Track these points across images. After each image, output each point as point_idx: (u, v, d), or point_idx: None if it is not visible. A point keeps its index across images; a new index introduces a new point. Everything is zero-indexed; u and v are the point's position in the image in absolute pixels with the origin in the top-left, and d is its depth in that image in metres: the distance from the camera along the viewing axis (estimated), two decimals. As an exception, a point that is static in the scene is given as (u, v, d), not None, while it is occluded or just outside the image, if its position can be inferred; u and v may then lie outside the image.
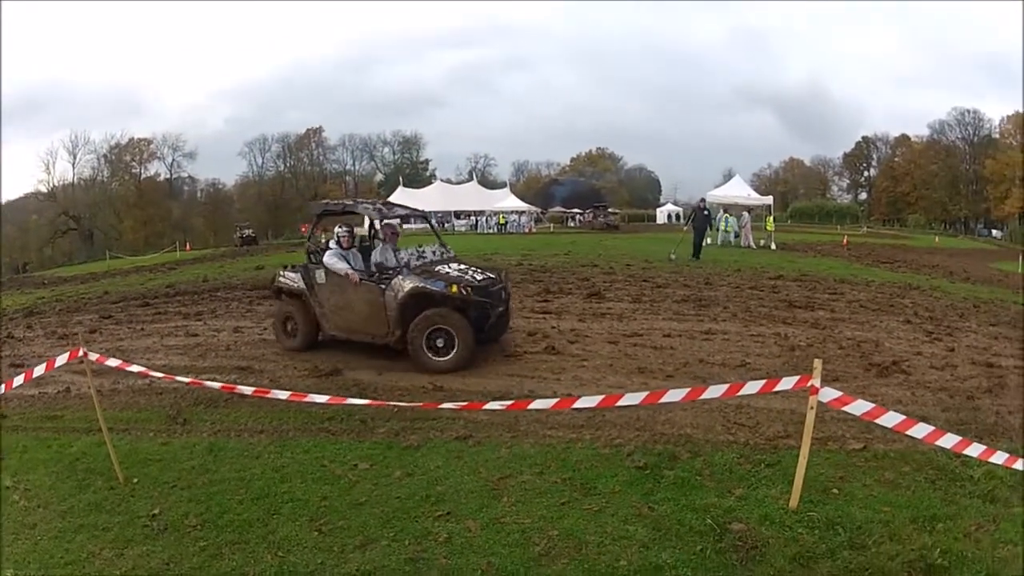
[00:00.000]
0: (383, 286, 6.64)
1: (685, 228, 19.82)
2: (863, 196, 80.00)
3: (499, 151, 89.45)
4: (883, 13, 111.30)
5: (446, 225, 41.77)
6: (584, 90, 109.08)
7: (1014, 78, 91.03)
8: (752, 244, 23.08)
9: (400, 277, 6.58)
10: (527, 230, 41.52)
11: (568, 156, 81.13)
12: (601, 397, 3.79)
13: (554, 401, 4.14)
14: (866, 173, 79.80)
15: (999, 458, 3.89)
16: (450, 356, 6.33)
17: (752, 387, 3.70)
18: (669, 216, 55.74)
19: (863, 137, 77.12)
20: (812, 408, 3.64)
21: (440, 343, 6.33)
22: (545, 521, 3.66)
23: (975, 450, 3.82)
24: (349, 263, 7.05)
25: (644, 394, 3.74)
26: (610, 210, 48.07)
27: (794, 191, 79.79)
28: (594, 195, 58.68)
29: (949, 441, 3.76)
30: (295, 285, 7.36)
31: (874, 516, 3.98)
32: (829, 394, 3.60)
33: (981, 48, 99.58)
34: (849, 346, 8.13)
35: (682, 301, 10.35)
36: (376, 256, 7.22)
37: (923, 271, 20.70)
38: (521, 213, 46.42)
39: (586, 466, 4.32)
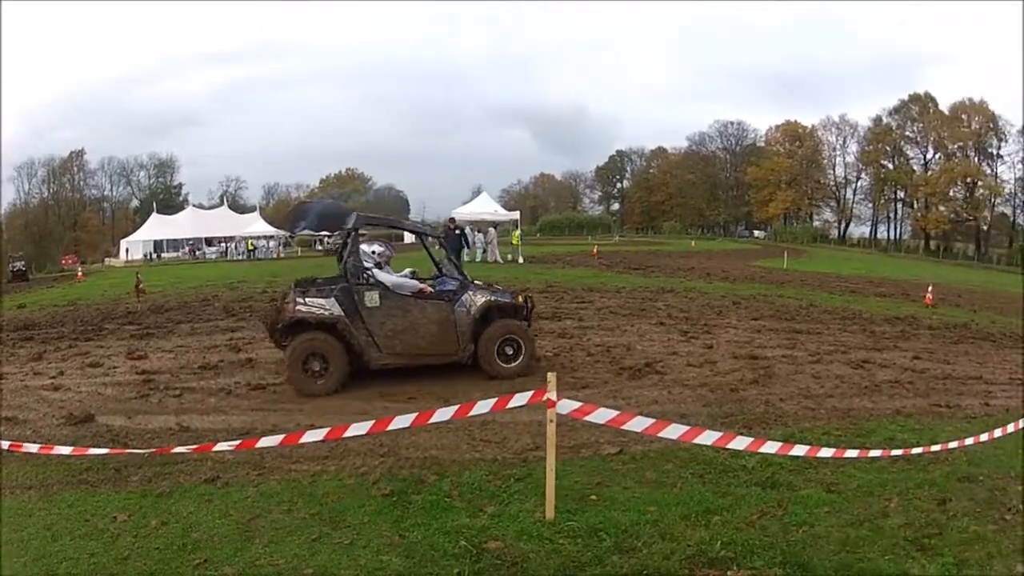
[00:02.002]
0: (453, 303, 10.01)
1: (436, 247, 25.04)
2: (616, 207, 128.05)
3: (252, 173, 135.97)
4: (648, 30, 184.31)
5: (197, 253, 66.15)
6: (340, 108, 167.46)
7: (784, 89, 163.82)
8: (499, 259, 36.26)
9: (470, 293, 10.23)
10: (275, 255, 63.94)
11: (318, 177, 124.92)
12: (327, 430, 5.85)
13: (281, 437, 6.12)
14: (619, 185, 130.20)
15: (771, 447, 5.91)
16: (519, 362, 10.42)
17: (484, 405, 5.62)
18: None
19: (617, 151, 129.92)
20: (552, 421, 5.50)
21: (510, 351, 10.36)
22: (299, 560, 5.18)
23: (741, 443, 5.81)
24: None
25: (371, 423, 5.81)
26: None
27: (545, 205, 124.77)
28: (343, 217, 68.83)
29: (709, 438, 5.74)
30: (327, 313, 9.59)
31: (640, 518, 5.72)
32: (568, 406, 5.56)
33: (751, 61, 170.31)
34: (598, 352, 12.30)
35: None
36: (391, 276, 10.45)
37: (678, 274, 31.08)
38: (270, 238, 70.02)
39: (333, 499, 6.21)
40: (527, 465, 6.87)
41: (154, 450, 7.26)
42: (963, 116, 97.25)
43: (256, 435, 7.39)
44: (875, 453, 6.68)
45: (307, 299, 9.81)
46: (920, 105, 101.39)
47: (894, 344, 14.95)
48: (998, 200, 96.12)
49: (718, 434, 5.87)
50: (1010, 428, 7.21)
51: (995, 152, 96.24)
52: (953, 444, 6.86)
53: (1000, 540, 5.76)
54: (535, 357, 10.97)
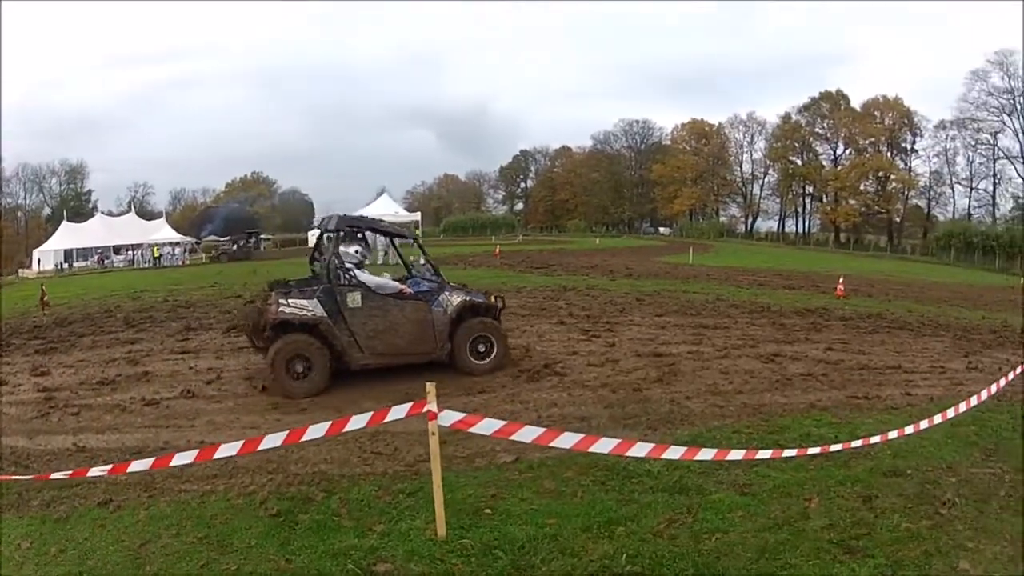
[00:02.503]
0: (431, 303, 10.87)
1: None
2: (520, 206, 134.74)
3: (161, 178, 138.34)
4: (552, 29, 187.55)
5: (105, 262, 68.79)
6: (247, 111, 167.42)
7: (692, 89, 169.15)
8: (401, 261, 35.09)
9: (447, 293, 11.06)
10: (181, 262, 66.11)
11: (224, 182, 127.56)
12: (196, 452, 5.81)
13: (151, 460, 6.10)
14: (523, 184, 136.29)
15: (675, 452, 5.62)
16: (491, 359, 11.22)
17: (359, 421, 5.54)
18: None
19: (521, 150, 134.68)
20: (434, 434, 5.40)
21: (482, 348, 11.15)
22: (187, 588, 5.03)
23: (641, 449, 5.51)
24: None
25: (240, 443, 5.73)
26: (263, 236, 75.38)
27: (448, 206, 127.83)
28: (249, 222, 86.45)
29: (605, 446, 5.41)
30: (309, 314, 10.09)
31: (538, 532, 5.59)
32: (450, 417, 5.45)
33: (658, 61, 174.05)
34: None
35: None
36: (372, 277, 11.11)
37: (580, 272, 31.48)
38: (176, 244, 73.62)
39: (221, 521, 6.16)
40: (419, 478, 6.74)
41: (33, 476, 7.29)
42: (876, 112, 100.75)
43: (147, 454, 7.59)
44: (790, 452, 6.46)
45: (290, 300, 10.23)
46: (831, 102, 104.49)
47: (805, 336, 15.20)
48: (912, 193, 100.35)
49: (615, 441, 5.54)
50: (937, 419, 7.14)
51: (909, 147, 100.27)
52: (876, 439, 6.73)
53: (937, 537, 5.64)
54: (507, 354, 11.76)
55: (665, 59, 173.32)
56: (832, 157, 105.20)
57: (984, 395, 8.05)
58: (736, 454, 5.97)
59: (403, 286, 11.29)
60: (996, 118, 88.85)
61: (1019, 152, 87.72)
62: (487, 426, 5.55)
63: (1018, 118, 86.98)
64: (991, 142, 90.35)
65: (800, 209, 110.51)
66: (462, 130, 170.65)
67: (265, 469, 7.28)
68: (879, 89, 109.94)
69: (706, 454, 5.90)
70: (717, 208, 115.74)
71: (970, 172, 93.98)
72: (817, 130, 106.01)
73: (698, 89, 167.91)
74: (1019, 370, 9.50)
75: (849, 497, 6.35)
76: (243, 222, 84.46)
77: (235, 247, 66.68)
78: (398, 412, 5.53)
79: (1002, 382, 8.72)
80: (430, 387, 5.44)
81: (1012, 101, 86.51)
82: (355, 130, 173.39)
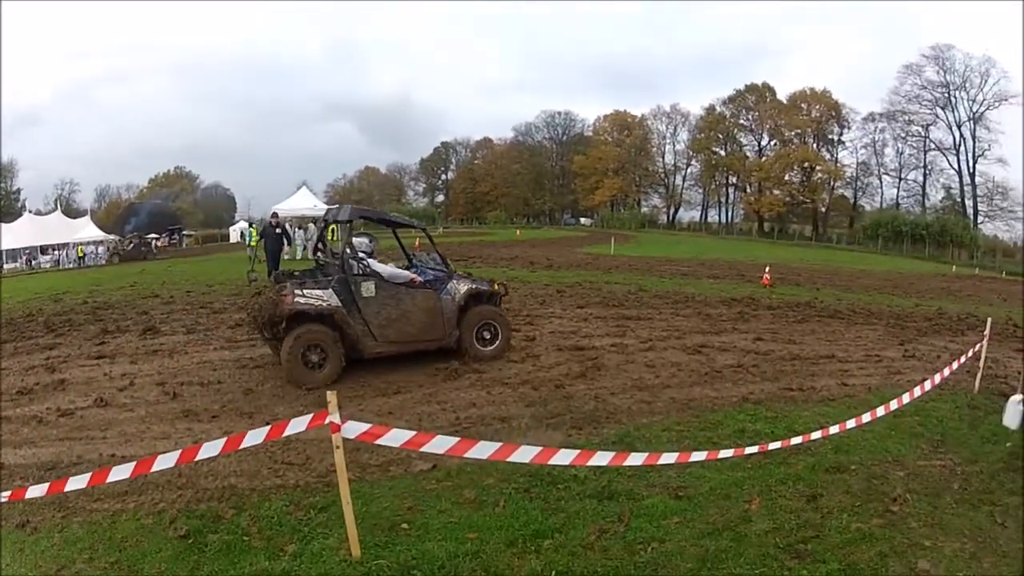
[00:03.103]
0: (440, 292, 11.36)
1: (251, 244, 33.10)
2: (440, 199, 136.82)
3: (87, 175, 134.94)
4: (475, 21, 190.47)
5: (32, 263, 67.73)
6: (170, 105, 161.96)
7: (615, 82, 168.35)
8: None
9: (454, 281, 11.54)
10: (104, 261, 64.01)
11: (147, 177, 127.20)
12: (90, 475, 5.39)
13: (47, 486, 5.71)
14: (444, 176, 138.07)
15: (602, 458, 5.26)
16: (496, 345, 11.74)
17: (256, 436, 5.26)
18: (241, 234, 78.81)
19: (443, 142, 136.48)
20: (338, 447, 5.14)
21: (487, 335, 11.71)
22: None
23: (565, 457, 5.17)
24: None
25: (132, 464, 5.34)
26: (185, 232, 79.21)
27: (369, 199, 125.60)
28: (171, 218, 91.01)
29: (525, 455, 5.12)
30: (325, 304, 10.37)
31: (459, 548, 5.25)
32: (355, 429, 5.19)
33: (583, 53, 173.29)
34: (412, 351, 11.63)
35: (236, 326, 14.81)
36: (385, 267, 11.64)
37: (500, 264, 31.26)
38: (99, 243, 71.65)
39: (132, 543, 5.92)
40: (331, 491, 6.28)
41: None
42: (803, 105, 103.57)
43: (62, 468, 7.56)
44: (726, 453, 6.17)
45: (305, 291, 10.48)
46: (757, 95, 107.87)
47: (733, 327, 15.23)
48: (838, 183, 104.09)
49: (535, 450, 5.25)
50: (880, 412, 7.04)
51: (836, 138, 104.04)
52: (817, 434, 6.56)
53: (891, 536, 5.49)
54: (510, 339, 12.24)
55: (592, 52, 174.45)
56: (756, 148, 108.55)
57: (928, 385, 8.02)
58: (668, 457, 5.65)
59: (413, 275, 11.67)
60: (929, 111, 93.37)
61: (951, 144, 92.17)
62: (395, 437, 5.23)
63: (952, 111, 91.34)
64: (922, 134, 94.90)
65: (723, 199, 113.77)
66: (384, 122, 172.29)
67: (175, 484, 6.96)
68: (808, 83, 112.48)
69: (636, 459, 5.60)
70: (639, 199, 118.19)
71: (899, 163, 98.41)
72: (742, 122, 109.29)
73: (624, 82, 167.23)
74: (963, 359, 9.58)
75: (792, 497, 6.17)
76: (166, 218, 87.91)
77: (130, 246, 65.72)
78: (298, 425, 5.23)
79: (946, 371, 8.72)
80: (331, 396, 5.12)
81: (946, 95, 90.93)
82: (278, 124, 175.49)
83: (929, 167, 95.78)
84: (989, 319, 11.11)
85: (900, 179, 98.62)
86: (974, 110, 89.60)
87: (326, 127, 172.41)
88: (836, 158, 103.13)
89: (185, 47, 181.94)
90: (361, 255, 11.40)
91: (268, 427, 5.35)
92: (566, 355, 11.89)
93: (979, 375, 10.61)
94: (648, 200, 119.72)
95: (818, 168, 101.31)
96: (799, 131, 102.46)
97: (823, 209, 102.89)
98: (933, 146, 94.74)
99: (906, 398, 7.45)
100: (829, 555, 5.10)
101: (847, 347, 13.58)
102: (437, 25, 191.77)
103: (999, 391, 10.77)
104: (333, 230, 13.64)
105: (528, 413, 8.74)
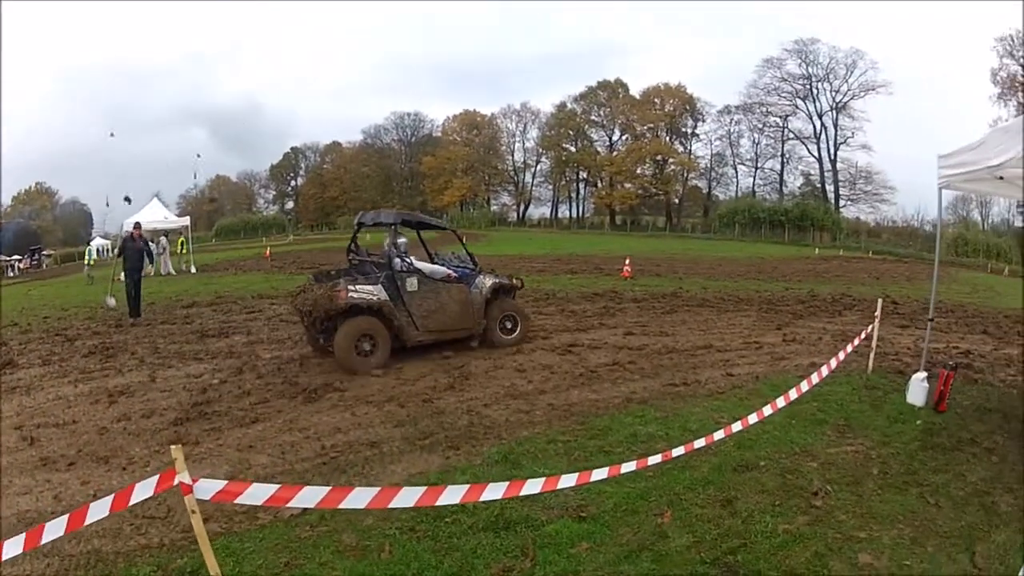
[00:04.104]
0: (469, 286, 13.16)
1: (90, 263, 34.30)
2: (290, 205, 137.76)
3: None
4: (329, 26, 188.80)
5: None
6: (34, 114, 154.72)
7: (461, 81, 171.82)
8: (172, 270, 37.72)
9: (481, 276, 13.37)
10: None
11: (10, 195, 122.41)
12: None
13: None
14: (293, 183, 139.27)
15: (495, 491, 4.65)
16: (516, 334, 13.44)
17: (100, 508, 4.50)
18: (99, 251, 75.48)
19: (292, 147, 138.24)
20: (194, 512, 4.53)
21: (509, 325, 13.45)
22: None
23: (455, 494, 4.58)
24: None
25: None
26: (44, 252, 77.44)
27: (221, 208, 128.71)
28: (34, 237, 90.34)
29: (408, 497, 4.50)
30: (374, 298, 11.95)
31: None
32: (208, 488, 4.55)
33: (431, 53, 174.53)
34: (269, 372, 11.64)
35: (90, 354, 14.12)
36: (425, 264, 13.48)
37: None
38: None
39: None
40: (199, 549, 5.29)
41: None
42: (656, 100, 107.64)
43: None
44: (629, 466, 5.58)
45: (357, 287, 11.76)
46: (609, 91, 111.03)
47: (599, 322, 15.27)
48: (692, 175, 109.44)
49: (419, 491, 4.62)
50: (780, 403, 6.81)
51: (690, 131, 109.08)
52: (720, 435, 6.16)
53: (822, 533, 5.28)
54: (528, 329, 13.86)
55: (441, 52, 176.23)
56: (608, 143, 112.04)
57: (825, 371, 7.95)
58: (568, 479, 5.10)
59: (449, 271, 13.38)
60: (788, 102, 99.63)
61: (812, 133, 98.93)
62: (256, 494, 4.60)
63: (813, 102, 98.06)
64: (780, 125, 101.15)
65: (573, 195, 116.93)
66: (235, 129, 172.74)
67: (40, 551, 5.96)
68: (664, 79, 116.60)
69: (533, 486, 4.92)
70: (488, 197, 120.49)
71: (756, 153, 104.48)
72: (593, 118, 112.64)
73: (473, 82, 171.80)
74: (857, 341, 9.61)
75: (705, 504, 5.85)
76: (30, 238, 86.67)
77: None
78: (144, 490, 4.52)
79: (841, 355, 8.68)
80: (176, 452, 4.47)
81: (808, 86, 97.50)
82: (136, 130, 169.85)
83: (787, 156, 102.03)
84: (880, 299, 11.18)
85: (756, 168, 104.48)
86: (837, 100, 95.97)
87: (179, 134, 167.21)
88: (690, 150, 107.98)
89: (42, 51, 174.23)
90: (404, 252, 12.84)
91: (112, 497, 4.61)
92: (431, 365, 11.49)
93: (872, 355, 10.67)
94: (497, 198, 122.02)
95: (671, 160, 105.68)
96: (652, 125, 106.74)
97: (676, 200, 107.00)
98: (792, 136, 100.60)
99: (805, 386, 7.25)
100: (763, 564, 4.80)
101: (723, 335, 13.64)
102: (284, 28, 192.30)
103: (893, 368, 10.94)
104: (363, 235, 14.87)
105: (398, 435, 8.11)
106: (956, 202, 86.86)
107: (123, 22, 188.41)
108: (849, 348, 9.10)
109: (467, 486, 4.76)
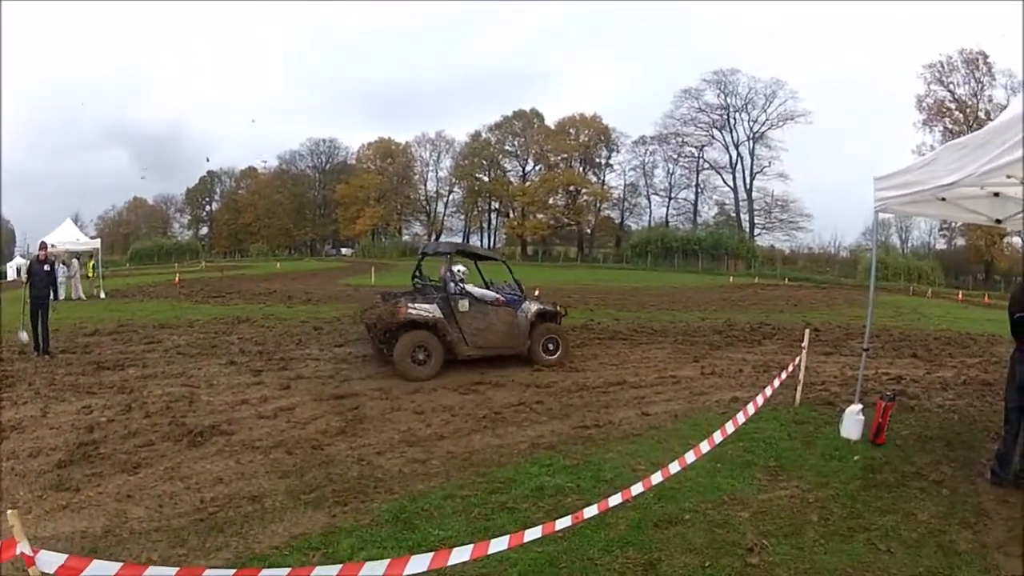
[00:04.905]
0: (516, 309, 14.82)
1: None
2: (204, 231, 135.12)
3: None
4: (251, 49, 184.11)
5: None
6: None
7: (378, 108, 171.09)
8: (82, 295, 35.87)
9: (527, 302, 15.10)
10: None
11: None
12: None
13: None
14: (208, 207, 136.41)
15: (374, 569, 3.81)
16: (557, 354, 14.96)
17: None
18: (18, 270, 74.40)
19: (208, 171, 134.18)
20: None
21: (551, 346, 15.02)
22: None
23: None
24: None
25: None
26: None
27: (137, 231, 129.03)
28: None
29: None
30: (430, 315, 13.61)
31: None
32: (51, 561, 3.83)
33: (351, 79, 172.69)
34: (158, 411, 10.63)
35: None
36: (476, 288, 15.01)
37: (258, 299, 30.00)
38: None
39: None
40: None
41: None
42: (571, 130, 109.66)
43: None
44: (533, 533, 4.74)
45: (416, 305, 13.39)
46: (525, 120, 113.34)
47: (506, 357, 14.65)
48: (604, 205, 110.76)
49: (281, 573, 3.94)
50: (704, 447, 6.14)
51: (604, 161, 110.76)
52: (638, 489, 5.37)
53: None
54: (568, 351, 15.14)
55: (361, 78, 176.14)
56: (521, 173, 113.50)
57: (751, 409, 7.22)
58: (462, 553, 4.25)
59: (498, 295, 14.72)
60: (705, 132, 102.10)
61: (727, 163, 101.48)
62: (101, 569, 3.89)
63: (730, 132, 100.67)
64: (696, 155, 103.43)
65: (485, 225, 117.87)
66: (156, 150, 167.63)
67: None
68: (580, 108, 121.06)
69: (419, 563, 4.02)
70: (400, 227, 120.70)
71: (670, 183, 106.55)
72: (507, 147, 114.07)
73: (391, 109, 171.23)
74: (785, 374, 9.17)
75: (625, 569, 5.24)
76: None
77: None
78: None
79: (768, 391, 8.10)
80: (13, 518, 3.87)
81: (725, 116, 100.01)
82: (61, 149, 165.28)
83: (702, 185, 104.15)
84: (807, 329, 10.96)
85: (670, 198, 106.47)
86: (755, 130, 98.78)
87: (101, 155, 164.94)
88: (603, 180, 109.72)
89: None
90: (459, 279, 14.43)
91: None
92: (324, 406, 10.54)
93: (799, 387, 10.35)
94: (409, 228, 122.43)
95: (584, 190, 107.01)
96: (566, 155, 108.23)
97: (588, 230, 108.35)
98: (707, 165, 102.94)
99: (730, 427, 6.60)
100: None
101: (637, 370, 13.35)
102: (206, 50, 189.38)
103: (822, 400, 10.65)
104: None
105: (283, 487, 7.22)
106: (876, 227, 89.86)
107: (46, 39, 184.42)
108: (776, 383, 8.56)
109: (338, 566, 4.03)
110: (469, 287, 14.52)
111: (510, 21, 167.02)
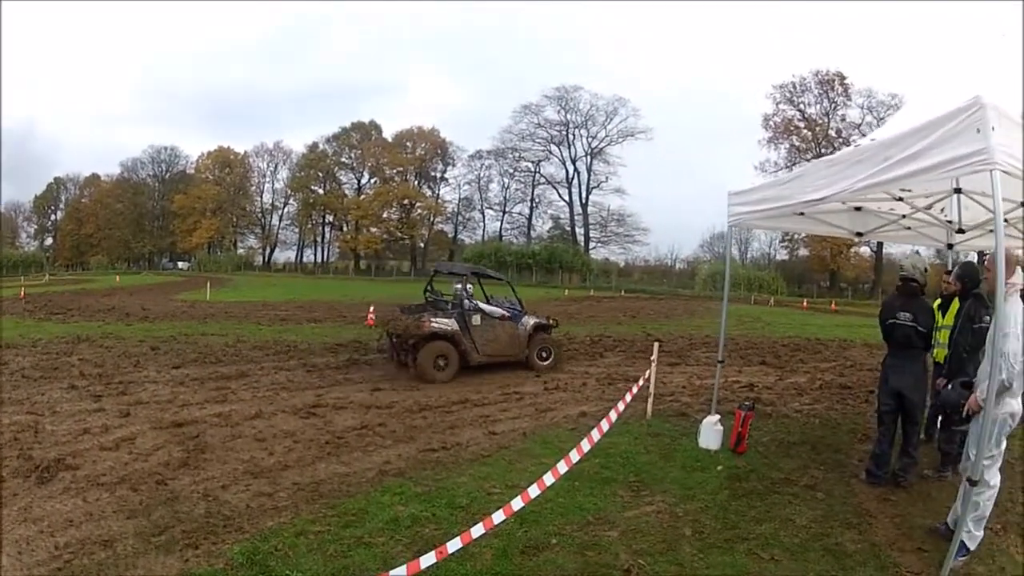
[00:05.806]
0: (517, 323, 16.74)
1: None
2: (49, 242, 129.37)
3: None
4: (99, 51, 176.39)
5: None
6: None
7: (218, 116, 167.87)
8: None
9: (526, 316, 17.08)
10: None
11: None
12: None
13: None
14: (53, 217, 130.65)
15: None
16: (550, 361, 16.90)
17: None
18: None
19: (56, 178, 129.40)
20: None
21: (544, 354, 16.96)
22: None
23: None
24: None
25: None
26: None
27: None
28: None
29: None
30: (449, 328, 15.35)
31: None
32: None
33: (193, 84, 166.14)
34: (7, 442, 9.46)
35: None
36: (486, 305, 16.81)
37: (97, 317, 28.14)
38: None
39: None
40: None
41: None
42: (408, 143, 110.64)
43: None
44: (399, 572, 4.63)
45: (437, 318, 15.18)
46: (362, 132, 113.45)
47: (344, 377, 14.63)
48: (438, 219, 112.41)
49: None
50: (562, 467, 5.91)
51: (439, 175, 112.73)
52: (500, 517, 5.29)
53: None
54: (561, 358, 17.13)
55: (204, 84, 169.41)
56: (356, 186, 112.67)
57: (606, 425, 7.09)
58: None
59: (503, 311, 16.49)
60: (543, 148, 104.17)
61: (564, 178, 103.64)
62: None
63: (568, 147, 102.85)
64: (533, 169, 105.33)
65: (319, 238, 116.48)
66: (7, 154, 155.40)
67: None
68: (419, 120, 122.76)
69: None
70: (235, 240, 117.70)
71: (504, 197, 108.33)
72: (343, 160, 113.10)
73: (232, 117, 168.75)
74: (636, 388, 9.18)
75: None
76: None
77: None
78: None
79: (621, 405, 8.07)
80: None
81: (564, 132, 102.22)
82: None
83: (537, 200, 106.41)
84: (656, 343, 10.97)
85: (504, 212, 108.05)
86: (594, 146, 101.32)
87: None
88: (438, 194, 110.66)
89: None
90: (470, 295, 16.22)
91: None
92: (165, 435, 9.71)
93: (650, 399, 10.55)
94: (244, 241, 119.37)
95: (418, 204, 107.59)
96: (402, 169, 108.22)
97: (422, 244, 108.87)
98: (544, 180, 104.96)
99: (586, 445, 6.44)
100: None
101: (479, 387, 13.49)
102: (57, 50, 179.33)
103: (674, 411, 10.92)
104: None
105: (132, 529, 6.56)
106: (712, 240, 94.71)
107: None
108: (628, 396, 8.58)
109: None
110: (480, 303, 16.35)
111: (354, 31, 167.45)
